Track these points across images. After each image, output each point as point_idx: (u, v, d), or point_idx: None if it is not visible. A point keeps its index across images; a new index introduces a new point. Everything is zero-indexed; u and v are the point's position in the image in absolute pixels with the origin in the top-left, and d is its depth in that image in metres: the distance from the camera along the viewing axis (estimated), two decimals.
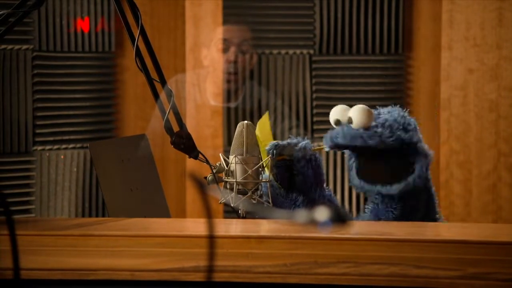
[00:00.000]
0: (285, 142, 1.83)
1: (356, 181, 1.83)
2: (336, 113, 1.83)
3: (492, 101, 3.36)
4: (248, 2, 3.47)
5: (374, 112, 1.82)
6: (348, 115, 1.81)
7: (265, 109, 3.43)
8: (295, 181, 1.82)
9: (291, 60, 3.48)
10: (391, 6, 3.45)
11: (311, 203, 1.82)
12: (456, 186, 3.35)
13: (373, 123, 1.79)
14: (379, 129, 1.78)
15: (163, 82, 1.77)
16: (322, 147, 1.85)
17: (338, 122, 1.82)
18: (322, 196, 1.85)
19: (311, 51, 3.48)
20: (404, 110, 1.84)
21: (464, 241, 1.42)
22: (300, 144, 1.82)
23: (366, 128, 1.78)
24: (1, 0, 3.06)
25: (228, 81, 3.32)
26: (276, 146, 1.79)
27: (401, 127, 1.79)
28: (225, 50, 3.29)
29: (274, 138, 1.84)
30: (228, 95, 3.37)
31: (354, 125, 1.79)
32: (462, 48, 3.37)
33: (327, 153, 3.42)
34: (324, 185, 1.88)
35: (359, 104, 1.82)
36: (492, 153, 3.36)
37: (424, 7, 3.46)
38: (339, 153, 3.39)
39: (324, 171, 1.91)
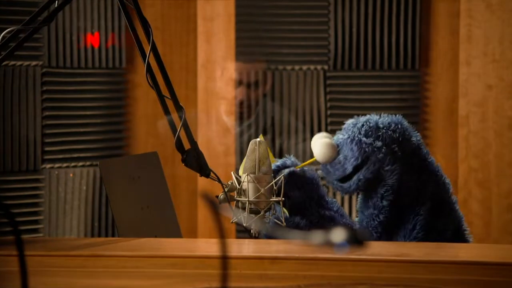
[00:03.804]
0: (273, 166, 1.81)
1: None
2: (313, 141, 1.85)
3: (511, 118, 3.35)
4: (261, 17, 3.49)
5: (334, 140, 1.82)
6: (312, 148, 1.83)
7: (279, 126, 3.44)
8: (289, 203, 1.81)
9: (305, 76, 3.49)
10: (407, 21, 3.46)
11: (310, 223, 1.81)
12: (475, 205, 3.34)
13: (337, 154, 1.80)
14: (340, 161, 1.79)
15: (175, 99, 1.78)
16: (308, 161, 1.85)
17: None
18: (320, 215, 1.83)
19: (326, 67, 3.49)
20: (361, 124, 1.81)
21: (483, 263, 1.41)
22: (283, 170, 1.81)
23: (330, 161, 1.80)
24: (11, 16, 3.09)
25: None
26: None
27: (357, 150, 1.78)
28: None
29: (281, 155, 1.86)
30: (241, 117, 3.39)
31: (318, 160, 1.81)
32: (481, 64, 3.36)
33: None
34: (326, 200, 1.86)
35: (323, 135, 1.83)
36: None
37: (442, 22, 3.47)
38: None
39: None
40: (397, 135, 1.79)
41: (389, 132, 1.78)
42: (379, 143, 1.76)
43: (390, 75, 3.48)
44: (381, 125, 1.78)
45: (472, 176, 3.36)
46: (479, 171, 3.36)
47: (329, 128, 3.47)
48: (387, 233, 1.79)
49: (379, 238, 1.78)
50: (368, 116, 1.82)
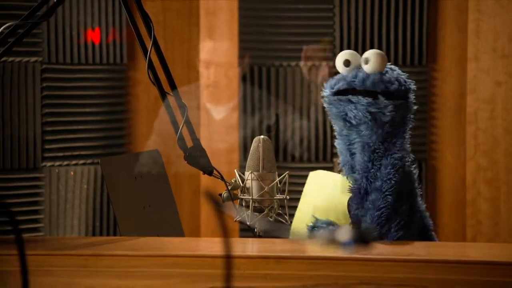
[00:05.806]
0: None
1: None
2: (346, 54, 1.84)
3: None
4: (265, 11, 3.49)
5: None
6: (365, 56, 1.82)
7: (283, 123, 3.44)
8: None
9: (310, 72, 3.49)
10: (414, 16, 3.45)
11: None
12: (483, 204, 3.34)
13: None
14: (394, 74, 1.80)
15: (177, 95, 1.78)
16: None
17: (347, 63, 1.82)
18: None
19: (331, 63, 3.49)
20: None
21: (493, 262, 1.41)
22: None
23: (380, 73, 1.81)
24: (10, 11, 3.09)
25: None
26: None
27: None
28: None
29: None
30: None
31: (370, 67, 1.81)
32: (490, 60, 3.36)
33: None
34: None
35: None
36: None
37: (450, 17, 3.46)
38: None
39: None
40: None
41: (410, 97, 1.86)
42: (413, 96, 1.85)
43: None
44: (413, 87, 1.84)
45: (481, 174, 3.35)
46: (488, 169, 3.35)
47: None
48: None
49: (394, 203, 1.78)
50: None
